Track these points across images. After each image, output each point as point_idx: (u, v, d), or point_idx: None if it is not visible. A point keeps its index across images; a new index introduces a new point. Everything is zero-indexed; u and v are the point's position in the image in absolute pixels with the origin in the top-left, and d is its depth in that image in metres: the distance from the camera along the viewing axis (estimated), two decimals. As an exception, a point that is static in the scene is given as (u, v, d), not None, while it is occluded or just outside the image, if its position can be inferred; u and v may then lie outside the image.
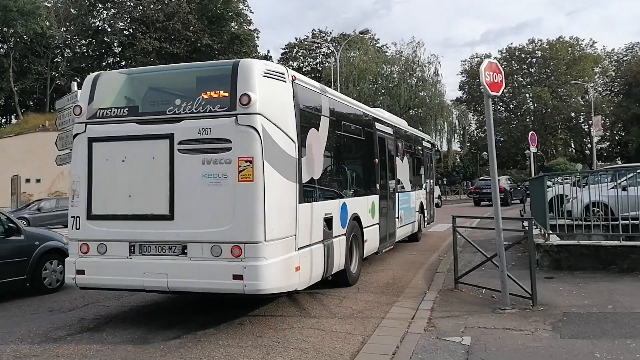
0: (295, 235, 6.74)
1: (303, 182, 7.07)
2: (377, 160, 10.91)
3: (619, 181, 10.24)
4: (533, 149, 21.89)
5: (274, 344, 5.70)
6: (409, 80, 51.48)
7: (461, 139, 62.51)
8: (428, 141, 18.22)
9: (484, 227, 10.13)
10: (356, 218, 9.09)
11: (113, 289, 7.28)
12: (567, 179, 12.23)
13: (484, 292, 7.51)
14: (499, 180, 7.92)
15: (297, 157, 6.91)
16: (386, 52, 58.52)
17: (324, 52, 68.47)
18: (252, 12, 57.48)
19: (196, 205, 6.30)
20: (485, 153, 53.99)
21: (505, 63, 66.08)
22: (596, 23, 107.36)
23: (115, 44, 52.35)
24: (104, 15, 53.07)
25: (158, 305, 7.73)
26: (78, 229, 6.76)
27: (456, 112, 59.59)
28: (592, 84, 63.25)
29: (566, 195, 10.75)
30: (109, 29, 52.02)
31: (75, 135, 6.88)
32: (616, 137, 68.73)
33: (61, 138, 16.17)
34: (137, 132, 6.57)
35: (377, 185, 10.80)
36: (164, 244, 6.41)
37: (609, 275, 8.22)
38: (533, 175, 21.09)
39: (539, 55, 69.02)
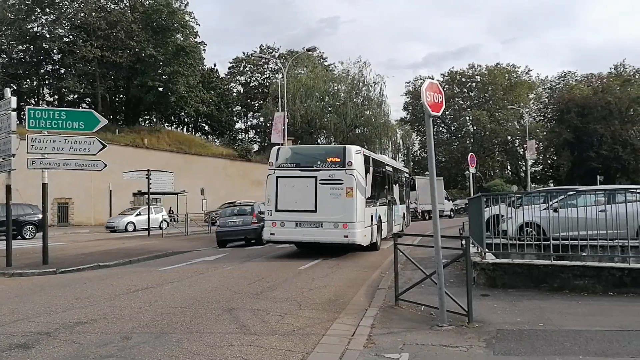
0: (364, 221, 15.05)
1: (366, 198, 15.36)
2: (386, 186, 19.60)
3: (550, 203, 10.72)
4: (472, 169, 22.71)
5: (212, 362, 5.58)
6: (355, 99, 52.26)
7: (405, 158, 63.89)
8: (406, 172, 27.33)
9: (425, 245, 10.32)
10: (379, 217, 17.41)
11: (286, 242, 16.21)
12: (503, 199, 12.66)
13: (423, 309, 7.63)
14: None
15: (365, 186, 15.33)
16: (333, 70, 59.19)
17: (271, 67, 68.57)
18: (199, 25, 56.87)
19: (327, 206, 14.60)
20: (427, 173, 55.23)
21: (447, 86, 68.36)
22: (531, 51, 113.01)
23: (54, 50, 50.51)
24: (43, 20, 51.12)
25: (100, 323, 7.43)
26: (271, 216, 15.20)
27: (400, 132, 60.87)
28: (527, 110, 66.31)
29: (502, 215, 11.13)
30: (48, 35, 50.16)
31: (269, 175, 15.42)
32: (549, 161, 72.16)
33: (-8, 146, 15.31)
34: (300, 174, 15.10)
35: (386, 200, 19.18)
36: (312, 222, 14.74)
37: (541, 293, 8.52)
38: (472, 195, 21.79)
39: (479, 79, 71.79)
